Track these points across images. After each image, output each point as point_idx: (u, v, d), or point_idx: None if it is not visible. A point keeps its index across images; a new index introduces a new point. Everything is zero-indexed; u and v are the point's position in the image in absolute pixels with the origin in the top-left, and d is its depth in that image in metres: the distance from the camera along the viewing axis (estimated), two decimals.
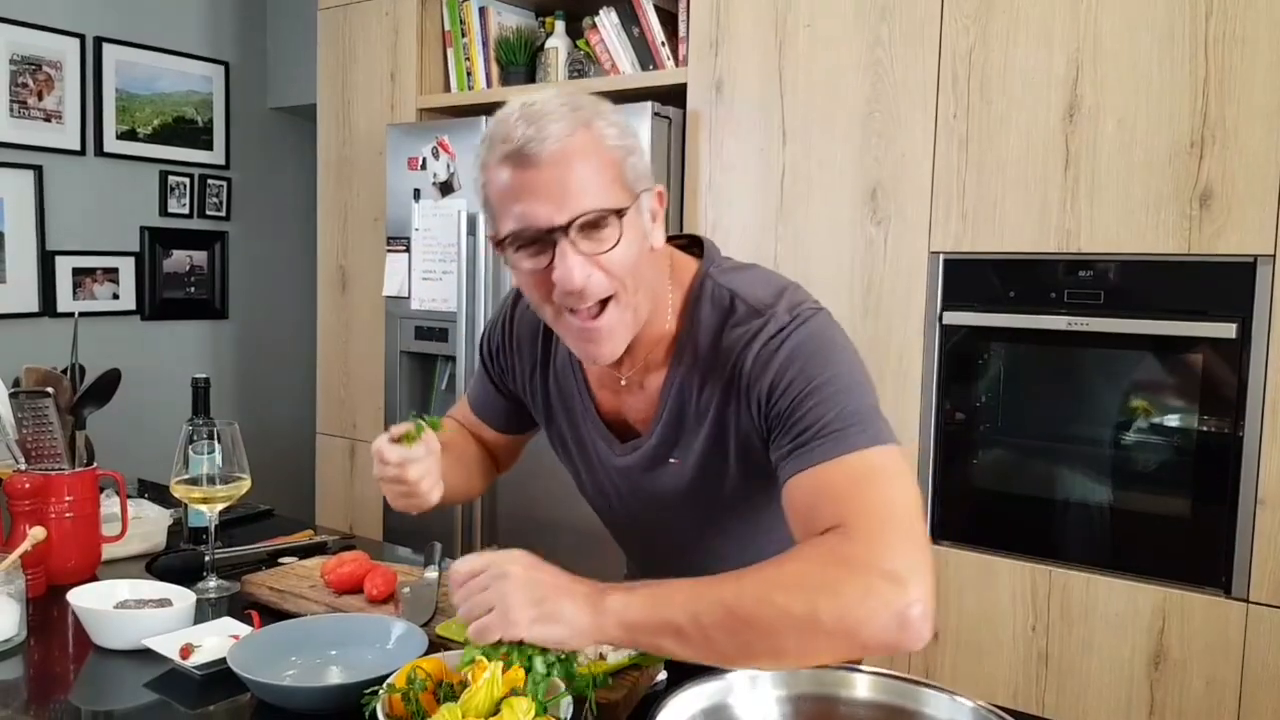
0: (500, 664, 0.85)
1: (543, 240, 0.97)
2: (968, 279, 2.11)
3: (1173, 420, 1.93)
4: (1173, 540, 1.90)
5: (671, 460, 1.13)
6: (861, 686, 0.94)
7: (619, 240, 0.97)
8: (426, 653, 1.09)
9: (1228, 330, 1.82)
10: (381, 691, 0.92)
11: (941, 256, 2.13)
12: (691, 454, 1.11)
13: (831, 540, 0.88)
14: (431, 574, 1.40)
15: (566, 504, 2.54)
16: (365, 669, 1.07)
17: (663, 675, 1.14)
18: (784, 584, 0.85)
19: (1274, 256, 1.78)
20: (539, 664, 0.88)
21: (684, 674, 0.95)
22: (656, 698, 0.90)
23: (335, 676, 1.09)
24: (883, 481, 0.92)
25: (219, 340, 3.84)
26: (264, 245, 3.94)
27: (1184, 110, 1.85)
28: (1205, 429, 1.87)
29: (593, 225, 0.96)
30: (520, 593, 0.87)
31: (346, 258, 3.21)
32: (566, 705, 0.88)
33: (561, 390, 1.23)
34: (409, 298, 2.91)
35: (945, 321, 2.13)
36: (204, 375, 1.55)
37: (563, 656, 0.90)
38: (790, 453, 0.97)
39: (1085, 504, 2.02)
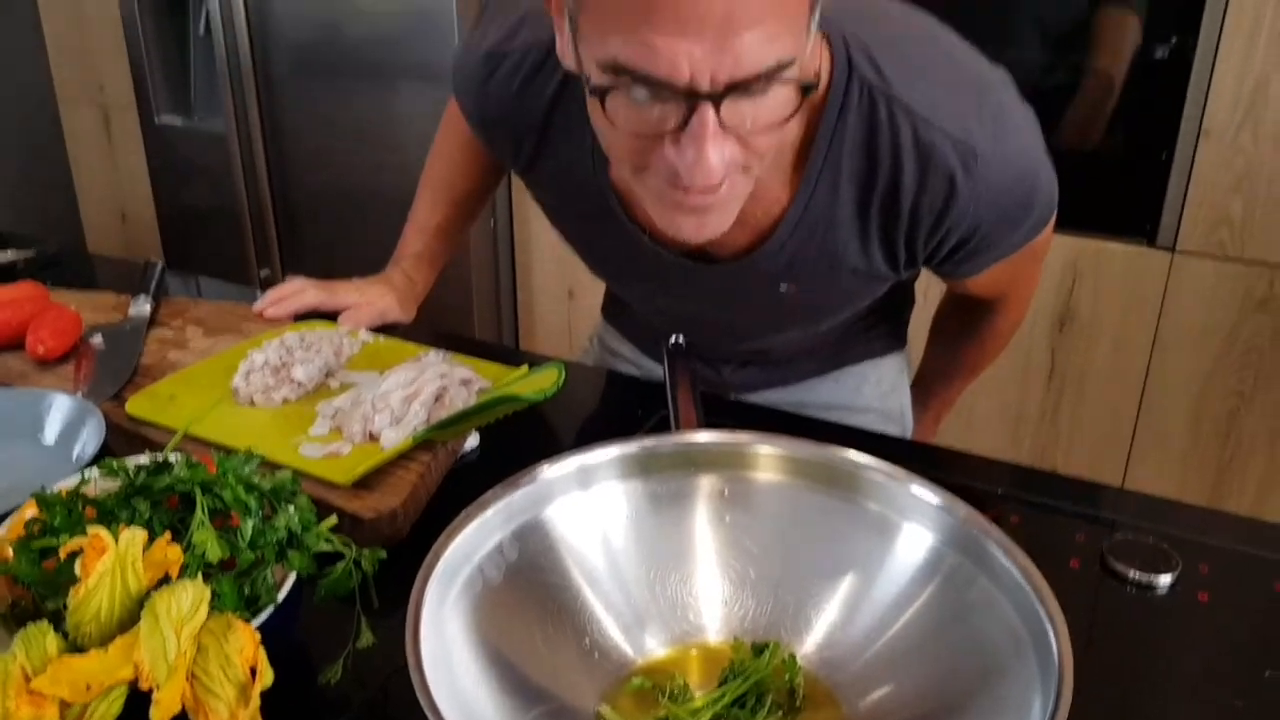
0: (139, 535, 0.47)
1: (671, 99, 0.56)
2: None
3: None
4: (1093, 184, 1.62)
5: (783, 287, 0.80)
6: (767, 466, 0.61)
7: (782, 108, 0.58)
8: (103, 452, 0.71)
9: None
10: None
11: None
12: (810, 277, 0.79)
13: None
14: (140, 309, 0.98)
15: (374, 174, 2.08)
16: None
17: (472, 443, 0.80)
18: None
19: None
20: None
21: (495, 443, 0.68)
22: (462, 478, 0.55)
23: None
24: None
25: None
26: None
27: None
28: (1147, 49, 1.52)
29: (751, 89, 0.56)
30: None
31: None
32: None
33: (568, 185, 0.83)
34: None
35: None
36: None
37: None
38: None
39: None
